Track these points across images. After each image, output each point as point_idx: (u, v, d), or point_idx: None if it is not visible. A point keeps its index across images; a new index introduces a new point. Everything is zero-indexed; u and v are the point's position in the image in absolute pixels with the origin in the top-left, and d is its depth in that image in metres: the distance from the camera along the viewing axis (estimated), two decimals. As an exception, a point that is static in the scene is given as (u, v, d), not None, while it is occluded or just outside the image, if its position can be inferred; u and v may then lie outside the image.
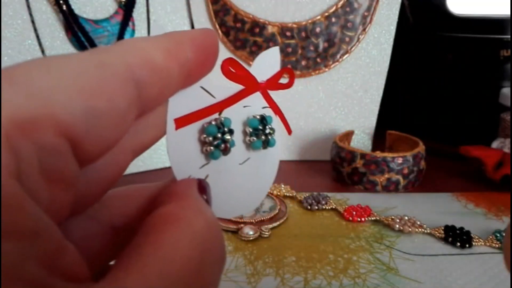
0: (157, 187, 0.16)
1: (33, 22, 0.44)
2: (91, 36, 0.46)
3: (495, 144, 0.48)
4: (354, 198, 0.43)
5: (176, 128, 0.16)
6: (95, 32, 0.46)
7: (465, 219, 0.39)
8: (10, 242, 0.09)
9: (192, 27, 0.52)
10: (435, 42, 0.56)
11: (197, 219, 0.13)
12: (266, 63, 0.19)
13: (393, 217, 0.38)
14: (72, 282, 0.11)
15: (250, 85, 0.18)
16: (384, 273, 0.31)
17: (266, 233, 0.36)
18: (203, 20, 0.52)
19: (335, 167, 0.49)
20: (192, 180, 0.16)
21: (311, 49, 0.52)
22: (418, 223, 0.37)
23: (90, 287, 0.10)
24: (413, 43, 0.58)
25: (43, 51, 0.45)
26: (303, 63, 0.52)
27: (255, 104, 0.19)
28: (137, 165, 0.51)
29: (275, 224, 0.37)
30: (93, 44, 0.46)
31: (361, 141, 0.56)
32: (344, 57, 0.52)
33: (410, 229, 0.36)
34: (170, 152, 0.16)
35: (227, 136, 0.17)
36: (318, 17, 0.51)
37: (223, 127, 0.17)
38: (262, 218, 0.37)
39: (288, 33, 0.51)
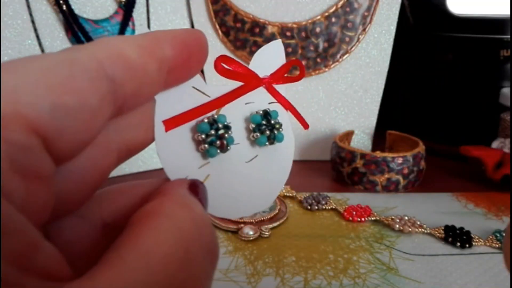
0: (151, 185, 0.16)
1: (33, 22, 0.44)
2: (91, 36, 0.46)
3: (495, 144, 0.48)
4: (354, 198, 0.43)
5: (166, 130, 0.16)
6: (95, 32, 0.46)
7: (465, 219, 0.39)
8: None
9: (192, 27, 0.52)
10: (435, 42, 0.56)
11: (180, 213, 0.13)
12: (269, 57, 0.19)
13: (393, 217, 0.38)
14: (50, 280, 0.10)
15: (249, 81, 0.18)
16: (384, 273, 0.31)
17: (266, 233, 0.36)
18: (203, 20, 0.52)
19: (335, 167, 0.49)
20: (183, 180, 0.16)
21: (311, 49, 0.52)
22: (418, 223, 0.37)
23: (64, 285, 0.10)
24: (413, 43, 0.58)
25: (43, 51, 0.45)
26: (303, 63, 0.52)
27: (259, 100, 0.18)
28: (137, 165, 0.51)
29: (275, 224, 0.37)
30: (93, 44, 0.46)
31: (361, 141, 0.56)
32: (344, 57, 0.52)
33: (410, 229, 0.36)
34: (160, 153, 0.16)
35: (221, 132, 0.16)
36: (318, 17, 0.51)
37: (216, 124, 0.16)
38: (262, 218, 0.37)
39: (288, 33, 0.51)
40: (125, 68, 0.13)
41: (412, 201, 0.43)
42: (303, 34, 0.51)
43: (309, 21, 0.51)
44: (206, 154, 0.16)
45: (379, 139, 0.56)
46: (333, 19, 0.51)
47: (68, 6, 0.45)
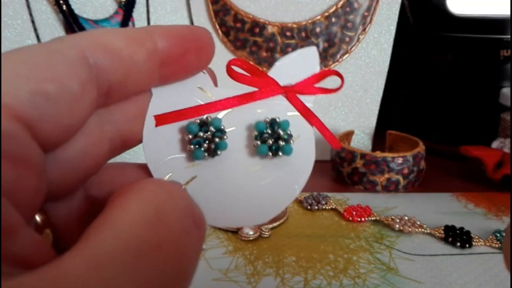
0: (140, 167, 0.16)
1: (33, 22, 0.44)
2: (91, 36, 0.46)
3: (495, 144, 0.48)
4: (354, 198, 0.43)
5: (157, 125, 0.16)
6: (95, 32, 0.46)
7: (465, 219, 0.39)
8: None
9: (192, 27, 0.52)
10: (435, 42, 0.56)
11: (150, 185, 0.12)
12: (297, 64, 0.17)
13: (393, 217, 0.38)
14: (25, 268, 0.10)
15: (264, 87, 0.17)
16: (384, 273, 0.31)
17: (266, 233, 0.36)
18: (203, 20, 0.52)
19: (335, 167, 0.49)
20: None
21: (311, 49, 0.51)
22: (418, 223, 0.37)
23: (22, 274, 0.10)
24: (413, 43, 0.58)
25: (43, 51, 0.45)
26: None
27: (276, 109, 0.17)
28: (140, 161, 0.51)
29: (275, 224, 0.37)
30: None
31: (361, 141, 0.56)
32: (344, 57, 0.52)
33: (410, 229, 0.36)
34: (146, 147, 0.16)
35: (209, 135, 0.16)
36: (318, 17, 0.51)
37: (207, 126, 0.16)
38: (262, 218, 0.37)
39: (288, 33, 0.51)
40: (108, 55, 0.13)
41: (412, 201, 0.43)
42: (303, 34, 0.51)
43: (309, 21, 0.51)
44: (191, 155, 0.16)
45: (379, 139, 0.56)
46: (333, 19, 0.51)
47: (68, 6, 0.45)
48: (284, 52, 0.51)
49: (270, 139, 0.16)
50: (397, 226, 0.36)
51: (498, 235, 0.35)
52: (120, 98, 0.15)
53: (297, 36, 0.51)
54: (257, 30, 0.51)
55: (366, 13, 0.51)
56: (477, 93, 0.55)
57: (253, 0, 0.51)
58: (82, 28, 0.45)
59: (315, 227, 0.38)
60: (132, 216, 0.11)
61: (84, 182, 0.15)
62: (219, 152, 0.16)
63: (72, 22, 0.45)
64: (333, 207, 0.41)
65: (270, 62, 0.52)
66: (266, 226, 0.36)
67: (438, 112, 0.58)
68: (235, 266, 0.32)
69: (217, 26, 0.52)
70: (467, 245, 0.34)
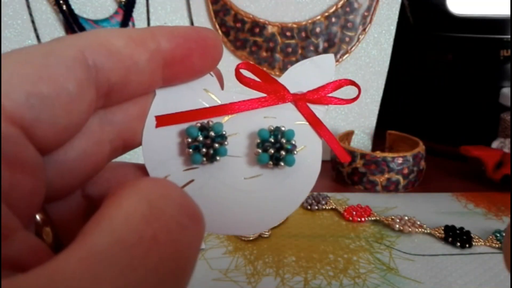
0: (138, 167, 0.16)
1: (33, 22, 0.44)
2: (91, 36, 0.46)
3: (495, 144, 0.48)
4: (354, 198, 0.43)
5: (157, 126, 0.15)
6: (95, 32, 0.46)
7: (465, 219, 0.39)
8: None
9: (192, 27, 0.52)
10: (435, 42, 0.56)
11: (145, 182, 0.12)
12: (312, 72, 0.17)
13: (393, 217, 0.38)
14: (26, 271, 0.10)
15: (273, 94, 0.16)
16: (384, 273, 0.31)
17: (266, 233, 0.36)
18: (203, 20, 0.52)
19: (335, 167, 0.49)
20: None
21: (311, 49, 0.51)
22: (418, 223, 0.37)
23: (18, 274, 0.09)
24: (413, 43, 0.58)
25: (43, 51, 0.45)
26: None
27: (283, 117, 0.17)
28: (140, 161, 0.51)
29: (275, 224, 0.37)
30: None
31: (361, 141, 0.56)
32: (344, 57, 0.52)
33: (410, 229, 0.36)
34: (145, 147, 0.15)
35: (208, 140, 0.15)
36: (318, 17, 0.51)
37: (207, 131, 0.15)
38: (262, 218, 0.37)
39: (288, 33, 0.51)
40: (107, 55, 0.13)
41: (412, 201, 0.43)
42: (303, 34, 0.51)
43: (309, 21, 0.51)
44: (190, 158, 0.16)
45: (379, 139, 0.56)
46: (333, 19, 0.51)
47: (68, 6, 0.45)
48: (284, 52, 0.52)
49: (272, 148, 0.16)
50: (397, 226, 0.36)
51: (498, 235, 0.35)
52: (122, 99, 0.15)
53: (297, 36, 0.51)
54: (257, 30, 0.51)
55: (366, 13, 0.51)
56: (477, 93, 0.55)
57: (253, 0, 0.51)
58: (82, 28, 0.45)
59: (315, 227, 0.38)
60: (126, 212, 0.11)
61: (84, 183, 0.15)
62: (218, 158, 0.16)
63: (72, 22, 0.45)
64: (333, 207, 0.41)
65: (270, 62, 0.52)
66: (266, 226, 0.36)
67: (438, 112, 0.58)
68: (235, 266, 0.32)
69: (217, 26, 0.52)
70: (467, 245, 0.34)
